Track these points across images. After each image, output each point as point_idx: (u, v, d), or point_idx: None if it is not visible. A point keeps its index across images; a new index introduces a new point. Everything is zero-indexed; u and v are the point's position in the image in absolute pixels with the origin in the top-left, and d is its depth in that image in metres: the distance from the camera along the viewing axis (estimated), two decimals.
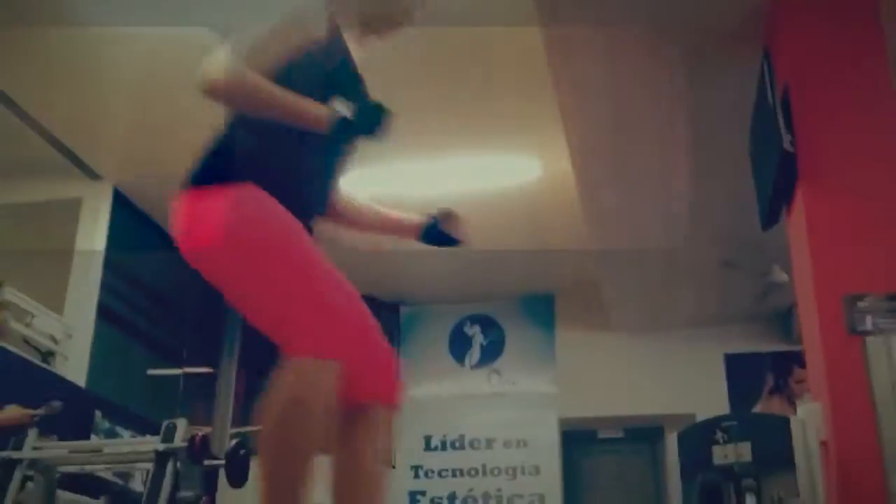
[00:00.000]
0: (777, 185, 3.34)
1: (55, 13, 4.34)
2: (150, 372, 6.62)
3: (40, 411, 3.49)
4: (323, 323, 1.84)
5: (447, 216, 2.30)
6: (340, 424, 1.96)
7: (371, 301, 7.20)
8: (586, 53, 3.96)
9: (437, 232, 2.31)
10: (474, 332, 8.15)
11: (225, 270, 1.88)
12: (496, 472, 7.69)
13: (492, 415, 7.84)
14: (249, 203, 1.86)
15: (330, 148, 2.05)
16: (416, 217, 2.34)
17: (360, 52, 2.19)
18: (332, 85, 1.98)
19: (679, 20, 3.66)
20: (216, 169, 1.93)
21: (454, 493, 7.70)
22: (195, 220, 1.89)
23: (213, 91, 1.87)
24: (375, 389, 2.04)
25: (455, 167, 5.73)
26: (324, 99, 1.92)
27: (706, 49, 3.84)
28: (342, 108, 1.87)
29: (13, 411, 3.39)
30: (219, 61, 1.87)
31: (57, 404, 3.53)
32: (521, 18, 3.98)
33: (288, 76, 1.91)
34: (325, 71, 2.01)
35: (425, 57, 4.61)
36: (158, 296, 6.69)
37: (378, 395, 2.05)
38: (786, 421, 3.10)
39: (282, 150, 1.95)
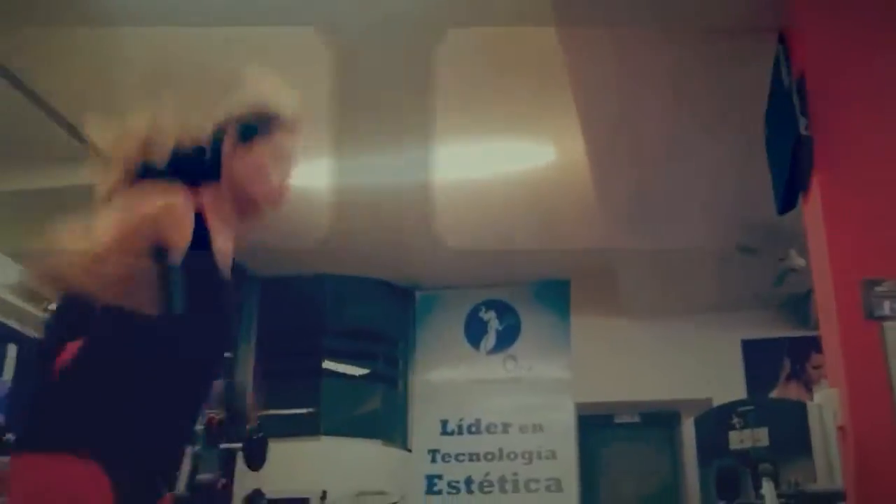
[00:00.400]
0: (793, 170, 3.32)
1: (77, 14, 4.38)
2: None
3: None
4: None
5: None
6: None
7: (386, 286, 7.31)
8: (600, 42, 3.94)
9: None
10: (490, 317, 8.16)
11: None
12: (512, 456, 7.72)
13: (508, 400, 7.86)
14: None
15: (188, 405, 1.91)
16: None
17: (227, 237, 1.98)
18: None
19: (694, 6, 3.64)
20: (43, 433, 1.73)
21: (470, 477, 7.73)
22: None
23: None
24: None
25: (469, 153, 5.73)
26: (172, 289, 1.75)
27: (721, 34, 3.81)
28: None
29: None
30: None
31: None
32: (536, 19, 3.98)
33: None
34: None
35: (440, 46, 4.61)
36: None
37: None
38: (803, 406, 3.09)
39: (127, 409, 1.74)
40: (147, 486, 1.81)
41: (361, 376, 8.02)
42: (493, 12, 4.33)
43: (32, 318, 5.22)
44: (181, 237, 1.78)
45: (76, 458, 1.67)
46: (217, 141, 1.98)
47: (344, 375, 7.87)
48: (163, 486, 1.87)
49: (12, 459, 1.73)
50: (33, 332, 5.01)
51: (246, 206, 1.97)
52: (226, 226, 1.94)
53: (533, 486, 7.59)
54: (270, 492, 5.57)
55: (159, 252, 1.76)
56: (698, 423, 3.90)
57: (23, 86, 5.00)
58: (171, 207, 1.79)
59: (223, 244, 1.92)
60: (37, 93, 5.09)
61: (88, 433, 1.71)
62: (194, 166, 1.96)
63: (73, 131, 5.51)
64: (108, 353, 1.78)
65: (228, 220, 1.96)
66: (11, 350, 4.89)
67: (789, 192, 3.46)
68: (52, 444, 1.69)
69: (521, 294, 8.10)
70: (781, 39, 3.47)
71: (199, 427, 3.43)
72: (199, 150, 1.99)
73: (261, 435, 3.75)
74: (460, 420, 7.91)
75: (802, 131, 3.13)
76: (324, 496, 6.76)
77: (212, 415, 3.49)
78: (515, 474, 7.66)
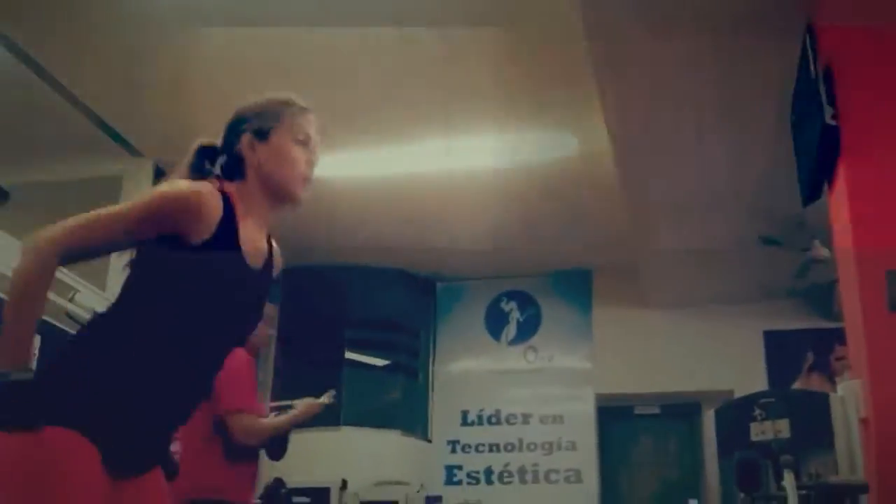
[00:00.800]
0: (819, 160, 3.30)
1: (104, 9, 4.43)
2: None
3: (327, 400, 3.55)
4: None
5: None
6: None
7: (407, 276, 7.29)
8: (626, 34, 3.93)
9: None
10: (511, 308, 8.15)
11: None
12: (532, 447, 7.72)
13: (528, 390, 7.86)
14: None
15: (186, 392, 1.90)
16: None
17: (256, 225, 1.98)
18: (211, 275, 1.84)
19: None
20: (33, 403, 1.68)
21: (490, 467, 7.74)
22: None
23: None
24: None
25: (491, 143, 5.72)
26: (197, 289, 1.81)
27: (748, 23, 3.79)
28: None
29: (310, 404, 3.50)
30: (45, 234, 1.71)
31: (333, 392, 3.61)
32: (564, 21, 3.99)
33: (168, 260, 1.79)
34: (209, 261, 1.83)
35: (463, 37, 4.61)
36: None
37: None
38: (825, 398, 3.08)
39: (122, 388, 1.75)
40: (139, 460, 1.83)
41: (382, 367, 8.04)
42: (517, 11, 4.33)
43: (58, 308, 5.26)
44: (205, 223, 1.80)
45: (64, 430, 1.67)
46: (231, 140, 2.00)
47: (365, 366, 7.89)
48: (156, 461, 1.90)
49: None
50: (58, 323, 5.06)
51: (277, 194, 1.98)
52: (257, 219, 1.95)
53: (553, 476, 7.59)
54: (291, 481, 5.60)
55: (173, 238, 1.78)
56: (719, 415, 3.89)
57: (49, 77, 5.04)
58: (197, 194, 1.81)
59: (253, 236, 1.92)
60: (63, 84, 5.13)
61: (80, 408, 1.71)
62: (214, 165, 2.01)
63: (99, 123, 5.56)
64: (110, 325, 1.83)
65: (260, 213, 1.96)
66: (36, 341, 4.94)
67: (814, 181, 3.44)
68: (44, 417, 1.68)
69: (543, 285, 8.09)
70: (809, 30, 3.45)
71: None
72: (215, 151, 2.02)
73: None
74: (480, 411, 7.92)
75: (828, 121, 3.10)
76: (344, 486, 6.79)
77: None
78: (535, 465, 7.66)
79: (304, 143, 2.00)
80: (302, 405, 3.46)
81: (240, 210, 1.90)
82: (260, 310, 2.02)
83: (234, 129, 2.01)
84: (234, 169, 1.98)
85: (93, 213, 1.76)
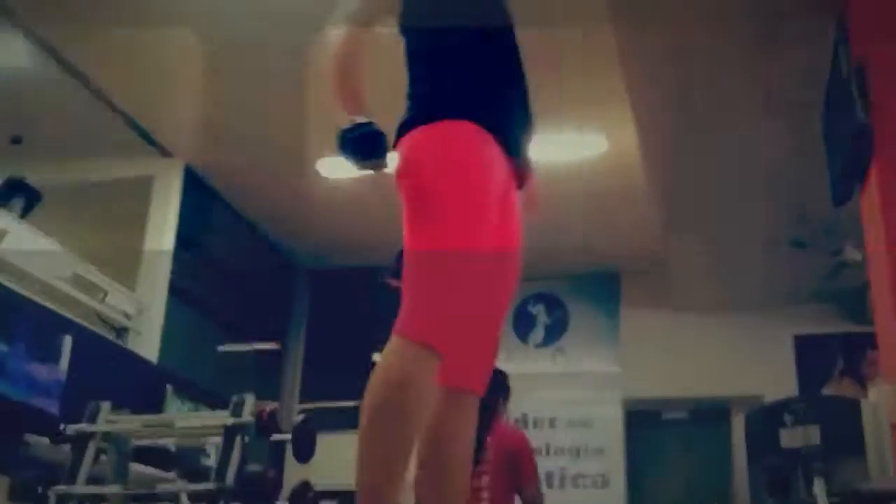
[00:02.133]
0: (850, 161, 3.26)
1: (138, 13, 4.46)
2: (220, 348, 6.75)
3: None
4: (436, 313, 1.83)
5: None
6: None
7: None
8: (654, 28, 3.90)
9: None
10: (538, 311, 8.12)
11: (405, 204, 1.93)
12: (559, 451, 7.68)
13: (555, 394, 7.82)
14: (449, 145, 1.93)
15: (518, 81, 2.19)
16: None
17: None
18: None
19: None
20: (429, 109, 1.99)
21: None
22: (406, 153, 1.95)
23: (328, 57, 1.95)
24: (467, 378, 2.07)
25: None
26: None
27: (778, 22, 3.75)
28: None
29: None
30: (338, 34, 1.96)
31: None
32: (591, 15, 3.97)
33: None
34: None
35: None
36: (228, 273, 6.80)
37: (468, 384, 2.07)
38: (857, 404, 3.04)
39: (485, 82, 2.05)
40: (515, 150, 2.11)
41: None
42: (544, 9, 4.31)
43: (89, 309, 5.31)
44: None
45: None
46: None
47: None
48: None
49: (412, 134, 1.98)
50: (89, 324, 5.11)
51: None
52: None
53: (580, 481, 7.55)
54: (318, 484, 5.61)
55: None
56: (749, 420, 3.85)
57: (82, 77, 5.09)
58: None
59: None
60: (95, 85, 5.18)
61: (465, 106, 1.98)
62: None
63: (131, 124, 5.61)
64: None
65: None
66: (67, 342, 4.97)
67: (846, 183, 3.40)
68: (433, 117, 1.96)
69: (570, 288, 8.05)
70: (839, 27, 3.41)
71: (250, 418, 3.46)
72: None
73: (310, 427, 3.77)
74: (507, 413, 7.88)
75: (861, 121, 3.06)
76: None
77: (263, 406, 3.51)
78: (563, 469, 7.62)
79: None
80: None
81: None
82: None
83: None
84: None
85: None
